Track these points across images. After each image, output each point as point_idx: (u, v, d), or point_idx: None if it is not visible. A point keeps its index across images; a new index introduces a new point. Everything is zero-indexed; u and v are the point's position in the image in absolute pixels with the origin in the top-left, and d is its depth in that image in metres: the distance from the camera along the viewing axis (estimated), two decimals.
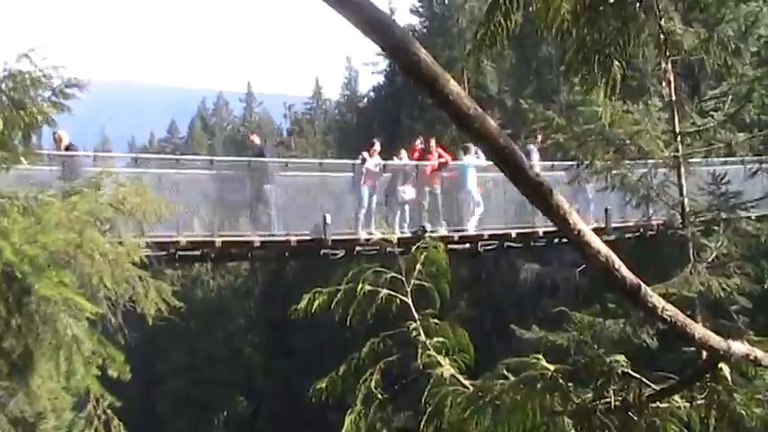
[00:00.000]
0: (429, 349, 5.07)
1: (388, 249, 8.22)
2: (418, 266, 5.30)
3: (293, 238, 17.11)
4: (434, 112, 35.52)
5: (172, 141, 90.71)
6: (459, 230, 18.60)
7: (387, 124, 45.14)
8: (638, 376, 4.38)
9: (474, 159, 18.37)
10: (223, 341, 52.87)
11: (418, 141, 19.59)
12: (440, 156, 19.14)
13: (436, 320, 5.21)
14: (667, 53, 12.59)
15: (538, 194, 3.08)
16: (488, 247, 19.24)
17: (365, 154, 18.02)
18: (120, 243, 8.52)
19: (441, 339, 5.13)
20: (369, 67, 55.84)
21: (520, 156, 3.06)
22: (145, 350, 45.65)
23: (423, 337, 5.13)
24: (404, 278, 5.28)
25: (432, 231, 17.70)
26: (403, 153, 19.37)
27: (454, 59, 37.65)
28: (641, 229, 19.08)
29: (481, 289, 36.63)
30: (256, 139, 18.80)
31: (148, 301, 8.84)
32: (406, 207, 18.53)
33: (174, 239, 15.35)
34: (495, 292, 36.33)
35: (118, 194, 8.90)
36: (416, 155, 19.29)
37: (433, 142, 19.29)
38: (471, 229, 18.69)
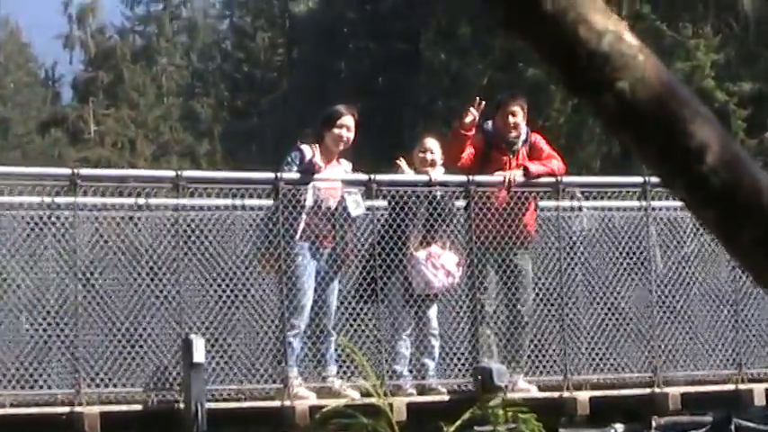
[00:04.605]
0: None
1: None
2: None
3: (82, 409, 9.87)
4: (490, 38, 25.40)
5: None
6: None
7: (376, 68, 31.82)
8: None
9: None
10: None
11: (470, 112, 11.22)
12: (537, 154, 11.45)
13: None
14: None
15: None
16: None
17: (305, 148, 11.36)
18: None
19: None
20: None
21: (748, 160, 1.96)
22: None
23: None
24: None
25: (505, 385, 10.77)
26: (430, 153, 11.65)
27: None
28: None
29: None
30: None
31: None
32: (432, 311, 11.30)
33: None
34: None
35: None
36: (468, 154, 11.27)
37: (519, 112, 11.26)
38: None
